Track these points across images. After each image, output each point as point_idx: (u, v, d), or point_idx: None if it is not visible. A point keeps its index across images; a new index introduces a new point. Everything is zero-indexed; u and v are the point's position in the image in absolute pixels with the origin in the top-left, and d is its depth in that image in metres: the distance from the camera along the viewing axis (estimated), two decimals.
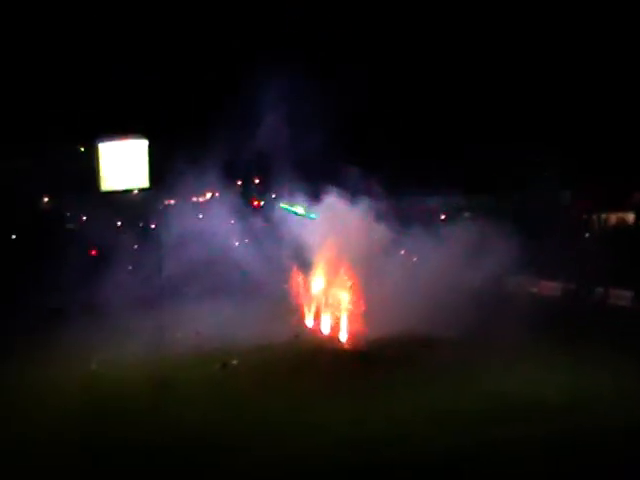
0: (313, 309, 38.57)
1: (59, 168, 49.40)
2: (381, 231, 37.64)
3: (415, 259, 40.17)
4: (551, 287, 43.72)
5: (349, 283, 36.45)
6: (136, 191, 54.98)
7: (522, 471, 19.93)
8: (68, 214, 52.42)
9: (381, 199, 38.68)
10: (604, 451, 20.64)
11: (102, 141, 55.01)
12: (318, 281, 38.45)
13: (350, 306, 36.14)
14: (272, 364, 31.75)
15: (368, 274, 35.68)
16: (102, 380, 31.23)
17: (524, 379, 27.14)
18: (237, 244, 45.06)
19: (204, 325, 38.08)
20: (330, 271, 37.78)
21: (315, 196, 39.44)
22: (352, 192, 38.53)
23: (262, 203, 45.17)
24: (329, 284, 37.84)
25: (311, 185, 40.16)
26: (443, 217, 49.25)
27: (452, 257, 38.12)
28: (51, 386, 30.07)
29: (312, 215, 38.98)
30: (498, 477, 19.87)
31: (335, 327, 36.75)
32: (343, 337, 35.73)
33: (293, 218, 40.08)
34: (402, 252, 40.10)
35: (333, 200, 38.54)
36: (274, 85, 41.15)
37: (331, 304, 37.55)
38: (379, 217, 37.90)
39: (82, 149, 54.78)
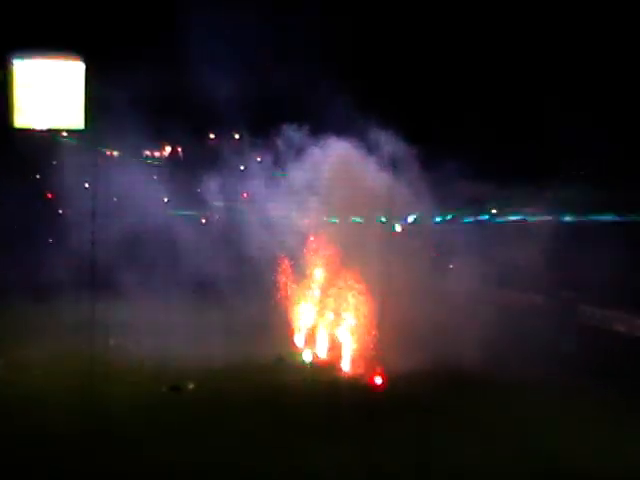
0: (306, 323, 38.58)
1: None
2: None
3: (451, 266, 39.95)
4: None
5: (358, 291, 36.20)
6: (65, 133, 54.49)
7: None
8: None
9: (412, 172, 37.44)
10: None
11: (20, 57, 54.10)
12: (315, 286, 38.46)
13: (358, 323, 36.13)
14: (241, 395, 31.21)
15: (386, 279, 35.62)
16: (6, 391, 30.68)
17: (575, 440, 26.66)
18: (204, 221, 45.28)
19: (149, 331, 37.91)
20: (333, 273, 37.57)
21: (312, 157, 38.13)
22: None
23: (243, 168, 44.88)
24: (330, 291, 37.62)
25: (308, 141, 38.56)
26: (494, 211, 49.01)
27: (505, 268, 38.52)
28: None
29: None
30: None
31: (334, 351, 36.79)
32: (345, 366, 35.70)
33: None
34: (435, 254, 39.86)
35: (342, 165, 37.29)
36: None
37: (331, 318, 37.49)
38: (407, 196, 37.41)
39: None
